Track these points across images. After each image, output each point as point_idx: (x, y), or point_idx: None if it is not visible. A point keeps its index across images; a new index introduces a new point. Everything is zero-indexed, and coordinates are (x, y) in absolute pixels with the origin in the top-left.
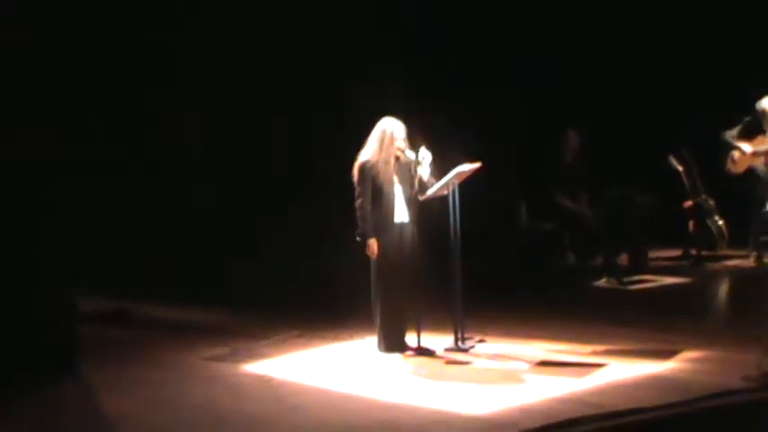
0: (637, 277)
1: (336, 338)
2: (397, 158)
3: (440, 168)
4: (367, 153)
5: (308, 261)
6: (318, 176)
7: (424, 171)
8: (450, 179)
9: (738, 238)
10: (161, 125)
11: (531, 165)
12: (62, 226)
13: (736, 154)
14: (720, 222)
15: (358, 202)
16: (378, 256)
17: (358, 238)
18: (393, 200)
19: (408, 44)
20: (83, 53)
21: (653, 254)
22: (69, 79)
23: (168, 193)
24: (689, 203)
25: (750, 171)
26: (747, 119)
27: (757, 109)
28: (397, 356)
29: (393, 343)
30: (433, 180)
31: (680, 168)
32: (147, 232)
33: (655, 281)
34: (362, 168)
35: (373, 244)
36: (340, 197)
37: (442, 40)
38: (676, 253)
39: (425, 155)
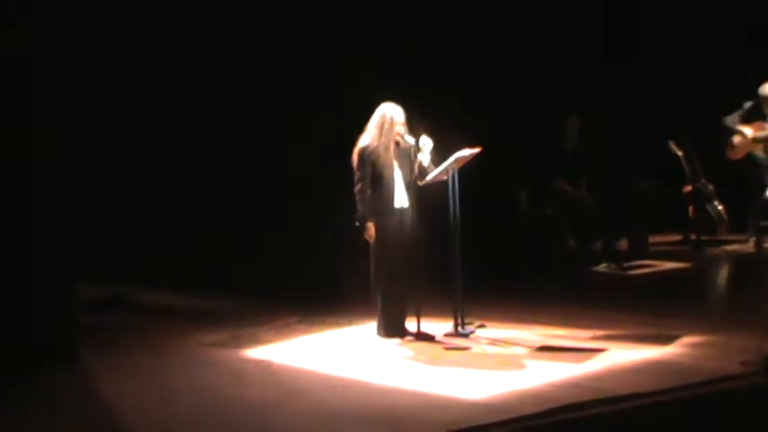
0: (636, 262)
1: (336, 324)
2: (398, 144)
3: (440, 154)
4: (366, 138)
5: (309, 248)
6: (318, 172)
7: (425, 157)
8: (450, 164)
9: (738, 223)
10: (161, 122)
11: (532, 150)
12: (61, 216)
13: (736, 139)
14: (720, 207)
15: (357, 187)
16: (377, 241)
17: (357, 223)
18: (393, 185)
19: (408, 41)
20: (82, 52)
21: (653, 239)
22: (70, 78)
23: (169, 186)
24: (688, 188)
25: (749, 157)
26: (748, 104)
27: (760, 94)
28: (396, 341)
29: (393, 328)
30: (432, 166)
31: (679, 153)
32: (147, 223)
33: (654, 266)
34: (362, 153)
35: (371, 227)
36: (341, 197)
37: (442, 36)
38: (676, 238)
39: (426, 141)
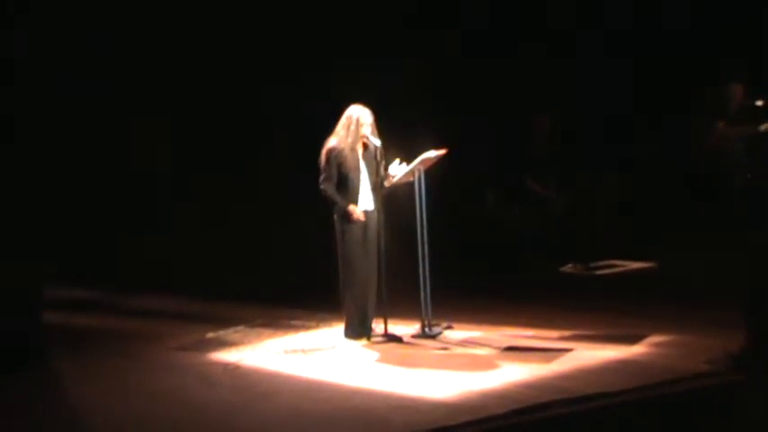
0: (603, 262)
1: (304, 326)
2: (365, 146)
3: (409, 158)
4: (333, 139)
5: (278, 251)
6: (288, 170)
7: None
8: (416, 165)
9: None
10: (145, 125)
11: (498, 150)
12: (32, 218)
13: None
14: None
15: (323, 186)
16: (342, 242)
17: (336, 215)
18: (359, 187)
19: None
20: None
21: (619, 238)
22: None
23: (140, 187)
24: None
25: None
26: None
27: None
28: (364, 343)
29: (359, 329)
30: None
31: None
32: (116, 222)
33: (621, 266)
34: (329, 154)
35: (354, 209)
36: (312, 198)
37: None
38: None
39: (399, 169)
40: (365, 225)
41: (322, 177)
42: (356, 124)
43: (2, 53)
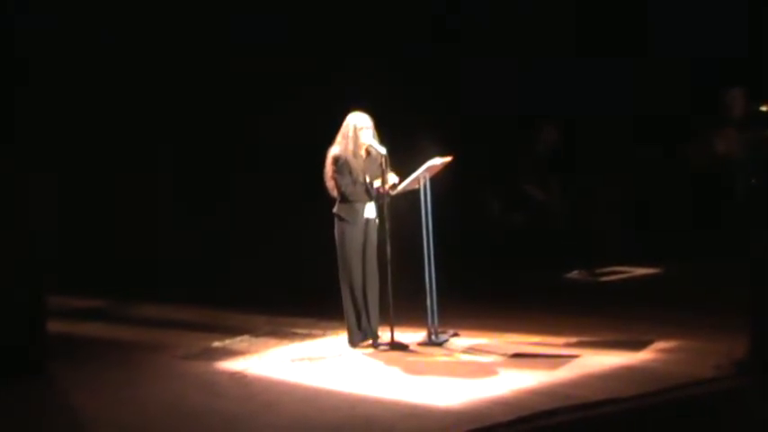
0: (608, 269)
1: (310, 335)
2: (368, 153)
3: (413, 165)
4: (336, 148)
5: (282, 258)
6: (290, 178)
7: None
8: (422, 173)
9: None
10: (147, 131)
11: (504, 157)
12: (30, 223)
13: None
14: None
15: (349, 190)
16: (342, 250)
17: (336, 220)
18: (363, 194)
19: (382, 43)
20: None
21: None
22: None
23: (143, 194)
24: None
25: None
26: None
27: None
28: (369, 351)
29: (359, 336)
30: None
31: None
32: (121, 231)
33: (626, 272)
34: (337, 161)
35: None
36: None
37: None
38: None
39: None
40: (366, 230)
41: (342, 183)
42: (354, 131)
43: (2, 55)
